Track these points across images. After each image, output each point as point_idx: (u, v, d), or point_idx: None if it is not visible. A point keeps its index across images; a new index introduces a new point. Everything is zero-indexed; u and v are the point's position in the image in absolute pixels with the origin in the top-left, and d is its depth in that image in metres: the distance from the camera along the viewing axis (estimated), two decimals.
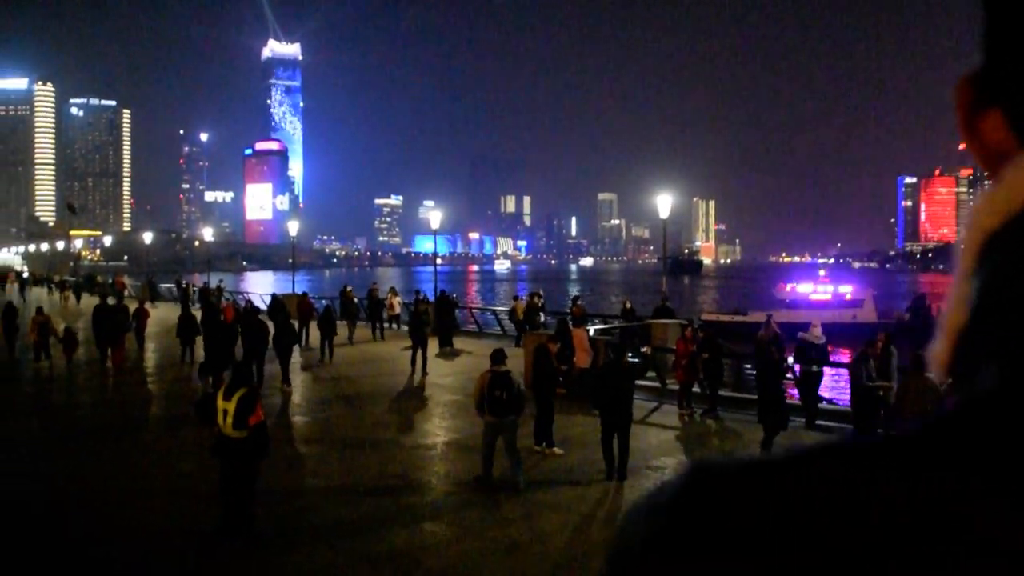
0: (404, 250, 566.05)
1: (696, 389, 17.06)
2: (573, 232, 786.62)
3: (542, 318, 28.28)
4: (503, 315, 33.53)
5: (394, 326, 34.13)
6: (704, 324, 25.43)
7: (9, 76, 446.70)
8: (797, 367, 15.67)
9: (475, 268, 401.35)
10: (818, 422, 15.31)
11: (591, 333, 19.31)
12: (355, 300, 32.54)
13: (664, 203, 27.24)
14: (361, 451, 13.59)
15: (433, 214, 36.38)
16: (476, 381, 11.99)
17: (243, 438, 9.23)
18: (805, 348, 15.54)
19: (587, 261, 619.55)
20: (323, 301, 38.67)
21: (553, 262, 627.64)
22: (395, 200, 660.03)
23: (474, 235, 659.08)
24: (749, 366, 18.90)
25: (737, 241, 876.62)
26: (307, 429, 15.60)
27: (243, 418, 9.19)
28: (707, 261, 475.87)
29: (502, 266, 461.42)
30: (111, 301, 30.39)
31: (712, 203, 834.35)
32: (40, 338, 23.63)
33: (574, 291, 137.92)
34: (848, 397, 14.01)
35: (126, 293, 54.60)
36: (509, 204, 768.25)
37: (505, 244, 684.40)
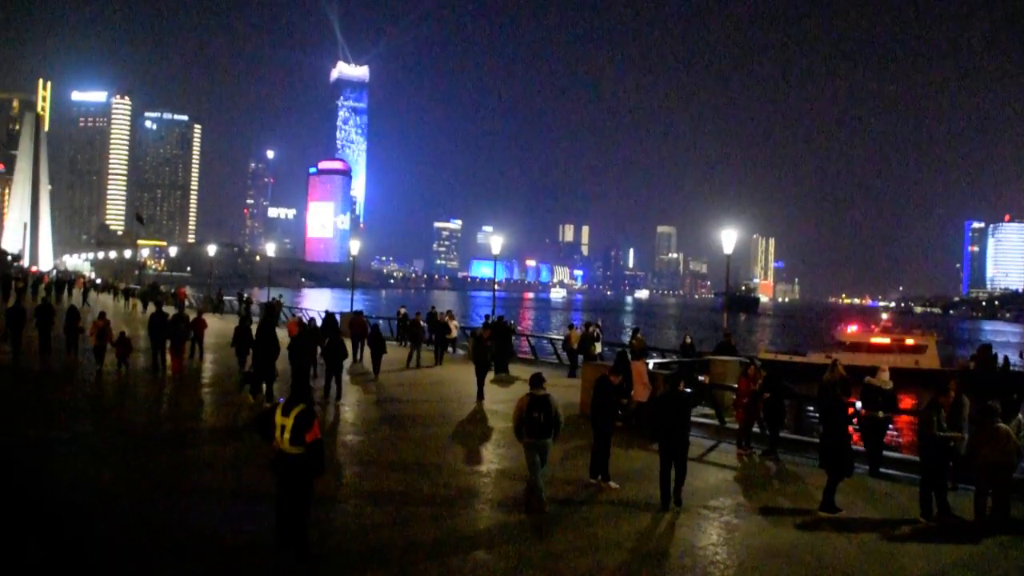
0: (461, 274, 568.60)
1: (756, 429, 16.70)
2: (630, 264, 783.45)
3: (598, 349, 28.02)
4: (558, 343, 33.35)
5: (450, 349, 34.20)
6: (763, 363, 24.91)
7: (90, 89, 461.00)
8: (862, 412, 15.23)
9: (530, 295, 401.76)
10: (882, 470, 14.86)
11: (650, 367, 19.03)
12: (421, 323, 31.46)
13: (728, 238, 26.86)
14: (414, 474, 13.51)
15: (494, 239, 36.31)
16: (515, 404, 12.09)
17: (299, 454, 9.21)
18: (871, 393, 15.10)
19: (643, 293, 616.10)
20: (380, 320, 38.95)
21: (609, 293, 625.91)
22: (454, 224, 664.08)
23: (531, 262, 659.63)
24: (812, 408, 18.44)
25: (796, 280, 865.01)
26: (360, 448, 15.57)
27: (300, 434, 9.16)
28: (764, 299, 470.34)
29: (558, 294, 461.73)
30: (169, 311, 30.83)
31: (772, 240, 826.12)
32: (99, 342, 24.19)
33: (628, 323, 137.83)
34: (917, 446, 13.52)
35: (186, 303, 55.56)
36: (567, 233, 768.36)
37: (562, 273, 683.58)
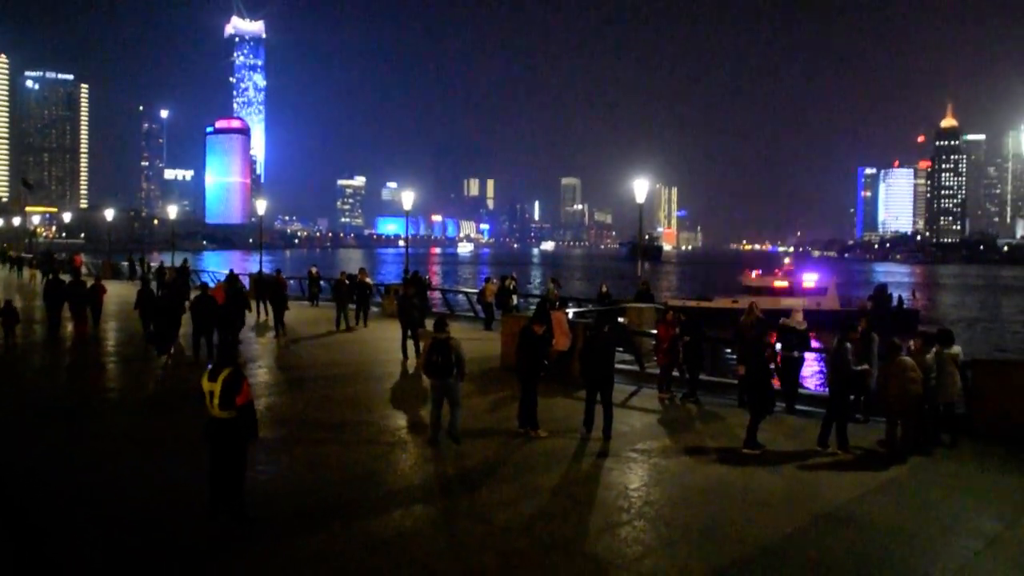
0: (367, 232, 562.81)
1: (675, 374, 17.05)
2: (536, 216, 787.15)
3: (515, 301, 28.19)
4: (473, 297, 33.36)
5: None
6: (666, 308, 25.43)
7: None
8: (779, 353, 15.70)
9: (438, 251, 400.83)
10: (798, 407, 15.39)
11: (570, 316, 19.22)
12: (366, 281, 30.23)
13: (641, 187, 27.10)
14: (345, 434, 13.42)
15: (406, 195, 35.84)
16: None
17: (231, 419, 9.02)
18: (787, 333, 15.56)
19: (548, 245, 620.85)
20: (292, 281, 38.40)
21: (516, 246, 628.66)
22: (358, 181, 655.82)
23: (437, 218, 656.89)
24: (729, 351, 18.92)
25: (699, 228, 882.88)
26: (286, 410, 15.36)
27: (230, 398, 8.97)
28: (668, 247, 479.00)
29: (465, 249, 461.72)
30: (66, 278, 29.80)
31: (675, 190, 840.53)
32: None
33: (537, 275, 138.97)
34: (828, 380, 14.02)
35: (83, 270, 53.63)
36: (472, 187, 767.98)
37: (468, 227, 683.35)
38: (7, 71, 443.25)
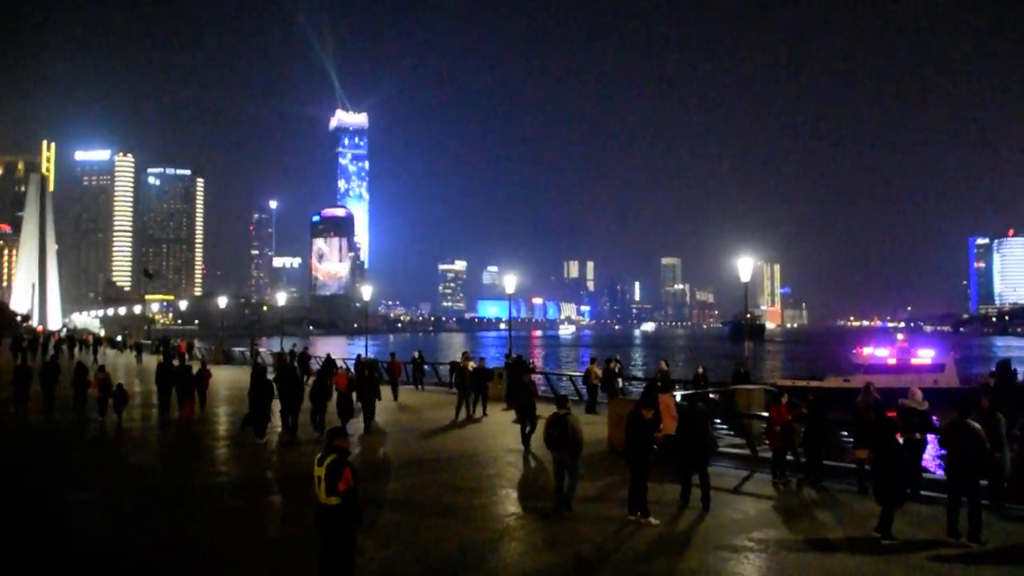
0: (468, 315, 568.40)
1: (789, 457, 16.51)
2: (637, 297, 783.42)
3: (620, 383, 27.88)
4: (577, 379, 33.09)
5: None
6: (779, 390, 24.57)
7: (93, 148, 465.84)
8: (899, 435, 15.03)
9: (539, 333, 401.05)
10: (923, 492, 14.62)
11: (678, 398, 18.88)
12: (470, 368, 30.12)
13: (745, 266, 26.79)
14: (456, 519, 13.32)
15: (508, 278, 36.20)
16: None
17: (336, 505, 9.09)
18: (907, 414, 14.91)
19: (649, 326, 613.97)
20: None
21: (617, 327, 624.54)
22: (459, 265, 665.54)
23: (537, 300, 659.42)
24: (845, 433, 18.24)
25: (803, 305, 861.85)
26: (398, 496, 15.36)
27: (334, 485, 9.07)
28: (771, 326, 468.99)
29: (566, 331, 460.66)
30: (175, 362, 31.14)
31: (777, 267, 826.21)
32: (101, 393, 25.09)
33: (639, 356, 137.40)
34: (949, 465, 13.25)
35: (187, 355, 55.57)
36: (572, 269, 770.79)
37: (568, 309, 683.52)
38: (132, 169, 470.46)
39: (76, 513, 14.15)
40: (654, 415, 14.41)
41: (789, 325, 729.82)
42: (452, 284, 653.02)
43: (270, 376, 25.61)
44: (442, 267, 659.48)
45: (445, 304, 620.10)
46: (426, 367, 39.00)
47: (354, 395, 24.26)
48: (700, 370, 28.23)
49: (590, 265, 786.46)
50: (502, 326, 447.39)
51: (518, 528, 12.82)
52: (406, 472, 17.56)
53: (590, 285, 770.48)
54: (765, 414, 17.79)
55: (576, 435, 13.37)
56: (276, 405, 23.09)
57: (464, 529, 12.68)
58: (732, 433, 19.97)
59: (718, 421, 20.69)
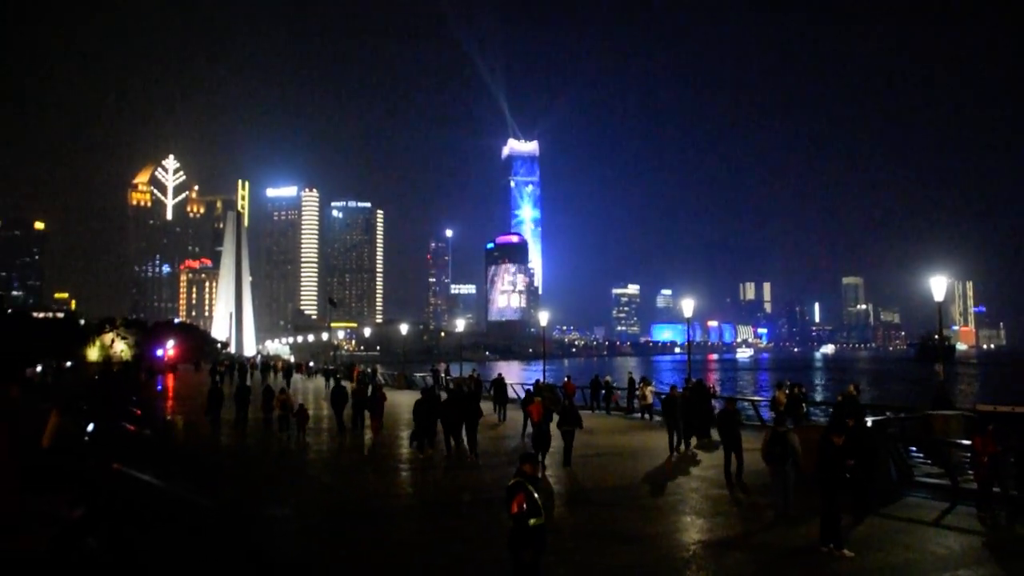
0: (642, 339, 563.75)
1: (996, 489, 15.50)
2: (816, 318, 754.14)
3: (804, 409, 27.00)
4: (760, 405, 32.29)
5: (646, 416, 33.79)
6: (982, 416, 22.93)
7: (282, 185, 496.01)
8: None
9: (715, 357, 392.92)
10: None
11: (868, 424, 18.13)
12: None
13: (938, 285, 25.42)
14: (637, 546, 13.26)
15: (685, 302, 35.84)
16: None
17: (513, 528, 9.28)
18: None
19: (829, 348, 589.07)
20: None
21: (796, 350, 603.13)
22: (632, 289, 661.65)
23: (713, 323, 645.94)
24: None
25: (1000, 325, 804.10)
26: (578, 522, 15.43)
27: (507, 507, 9.29)
28: (963, 347, 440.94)
29: (743, 354, 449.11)
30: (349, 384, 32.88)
31: (970, 284, 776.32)
32: (282, 412, 27.69)
33: (820, 380, 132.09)
34: None
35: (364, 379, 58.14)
36: (748, 291, 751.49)
37: (745, 332, 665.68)
38: (317, 203, 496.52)
39: (276, 530, 14.89)
40: (845, 441, 13.89)
41: (985, 346, 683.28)
42: (626, 308, 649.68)
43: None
44: (615, 291, 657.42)
45: (619, 328, 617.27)
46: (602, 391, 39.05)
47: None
48: (851, 389, 26.97)
49: (767, 286, 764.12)
50: (677, 350, 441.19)
51: (703, 557, 12.64)
52: (589, 497, 17.61)
53: (767, 307, 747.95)
54: (966, 442, 16.77)
55: (796, 452, 14.52)
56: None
57: (647, 557, 12.60)
58: (929, 462, 18.93)
59: (913, 449, 19.69)
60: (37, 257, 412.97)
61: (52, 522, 7.11)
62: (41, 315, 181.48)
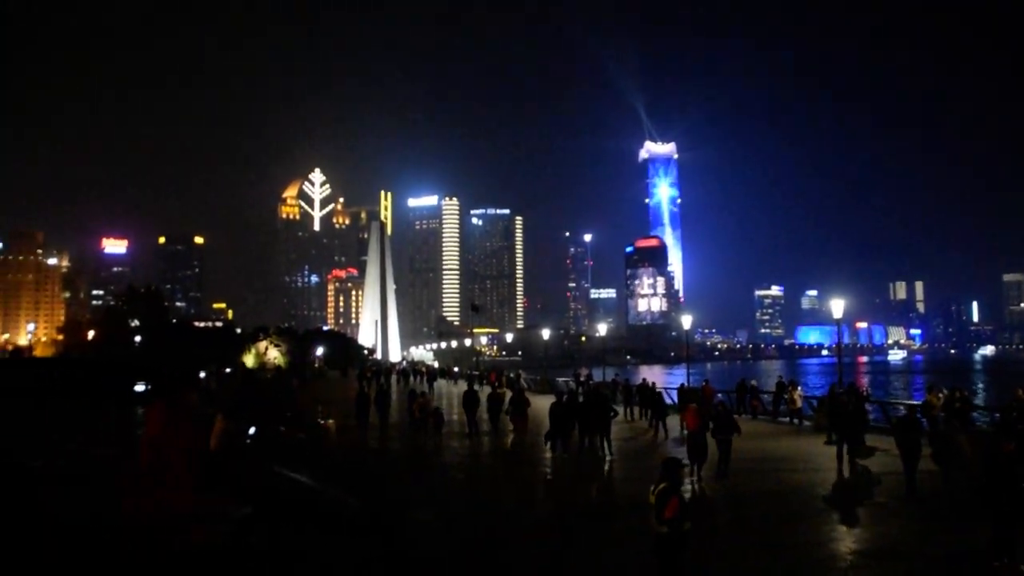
0: (787, 342, 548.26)
1: None
2: (975, 318, 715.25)
3: (968, 414, 25.64)
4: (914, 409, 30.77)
5: (795, 421, 32.88)
6: None
7: (423, 195, 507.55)
8: None
9: (865, 359, 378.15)
10: None
11: None
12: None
13: None
14: (782, 552, 12.89)
15: (835, 303, 34.57)
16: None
17: (665, 533, 9.15)
18: None
19: (988, 349, 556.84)
20: (720, 394, 38.26)
21: (952, 351, 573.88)
22: (776, 291, 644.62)
23: (862, 324, 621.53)
24: None
25: None
26: (727, 526, 15.13)
27: (660, 512, 9.15)
28: None
29: (895, 356, 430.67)
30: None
31: None
32: (420, 415, 29.70)
33: (980, 383, 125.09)
34: None
35: (497, 383, 58.69)
36: (899, 290, 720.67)
37: (896, 333, 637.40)
38: (457, 211, 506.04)
39: (425, 535, 15.02)
40: (1015, 448, 13.09)
41: None
42: (769, 310, 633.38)
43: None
44: (758, 293, 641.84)
45: (763, 331, 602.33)
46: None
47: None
48: (1020, 392, 25.32)
49: (919, 285, 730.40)
50: (824, 352, 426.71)
51: (861, 567, 12.16)
52: (741, 504, 17.26)
53: (920, 307, 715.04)
54: None
55: (964, 453, 14.74)
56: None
57: (803, 566, 12.25)
58: None
59: None
60: (197, 270, 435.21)
61: (222, 520, 7.48)
62: (201, 324, 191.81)
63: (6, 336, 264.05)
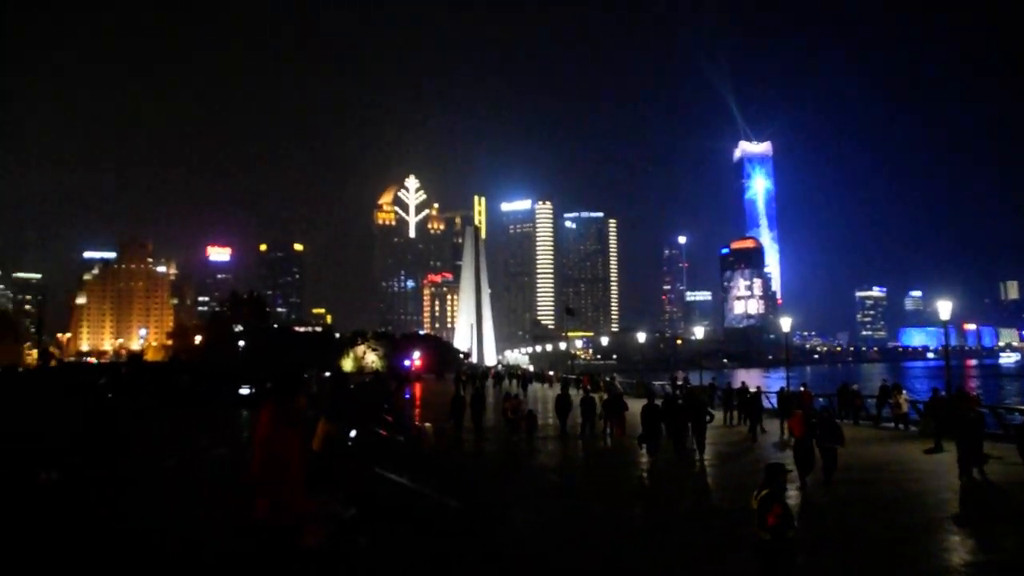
0: (890, 344, 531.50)
1: None
2: None
3: None
4: None
5: (900, 426, 31.92)
6: None
7: (516, 199, 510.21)
8: None
9: (973, 362, 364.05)
10: None
11: None
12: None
13: None
14: (893, 565, 12.51)
15: (942, 304, 33.35)
16: None
17: (767, 540, 8.97)
18: None
19: None
20: (820, 398, 37.38)
21: None
22: (878, 292, 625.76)
23: (970, 326, 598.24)
24: None
25: None
26: (833, 535, 14.74)
27: (763, 518, 8.98)
28: None
29: (1008, 359, 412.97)
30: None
31: None
32: (513, 416, 30.08)
33: None
34: None
35: (589, 388, 58.42)
36: (1011, 290, 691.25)
37: (1009, 335, 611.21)
38: (551, 215, 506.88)
39: (520, 536, 15.01)
40: None
41: None
42: (871, 312, 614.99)
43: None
44: (859, 294, 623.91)
45: (864, 333, 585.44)
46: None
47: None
48: None
49: None
50: (930, 355, 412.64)
51: None
52: (845, 511, 16.78)
53: None
54: None
55: None
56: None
57: None
58: None
59: None
60: (297, 276, 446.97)
61: (331, 521, 7.69)
62: (302, 329, 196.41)
63: (120, 341, 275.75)
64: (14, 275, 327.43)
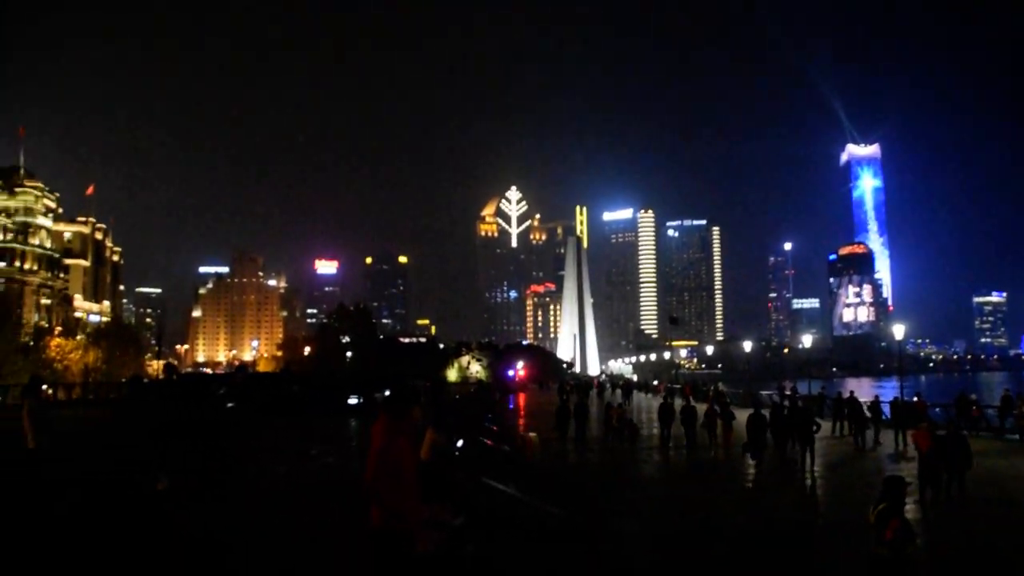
0: (1012, 352, 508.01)
1: None
2: None
3: None
4: None
5: (1017, 436, 30.71)
6: None
7: (617, 208, 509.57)
8: None
9: None
10: None
11: None
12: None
13: None
14: None
15: None
16: None
17: (883, 556, 8.74)
18: None
19: None
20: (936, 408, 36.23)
21: None
22: (997, 297, 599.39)
23: None
24: None
25: None
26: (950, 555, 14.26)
27: (881, 534, 8.79)
28: None
29: None
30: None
31: None
32: (617, 424, 31.05)
33: None
34: None
35: (691, 398, 57.79)
36: None
37: None
38: (653, 224, 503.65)
39: (624, 544, 14.80)
40: None
41: None
42: (990, 318, 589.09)
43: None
44: (977, 300, 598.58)
45: (983, 340, 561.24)
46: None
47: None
48: None
49: None
50: None
51: None
52: (969, 529, 16.12)
53: None
54: None
55: None
56: None
57: None
58: None
59: None
60: (401, 287, 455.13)
61: (444, 528, 7.94)
62: (407, 340, 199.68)
63: (233, 352, 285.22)
64: (137, 290, 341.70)
